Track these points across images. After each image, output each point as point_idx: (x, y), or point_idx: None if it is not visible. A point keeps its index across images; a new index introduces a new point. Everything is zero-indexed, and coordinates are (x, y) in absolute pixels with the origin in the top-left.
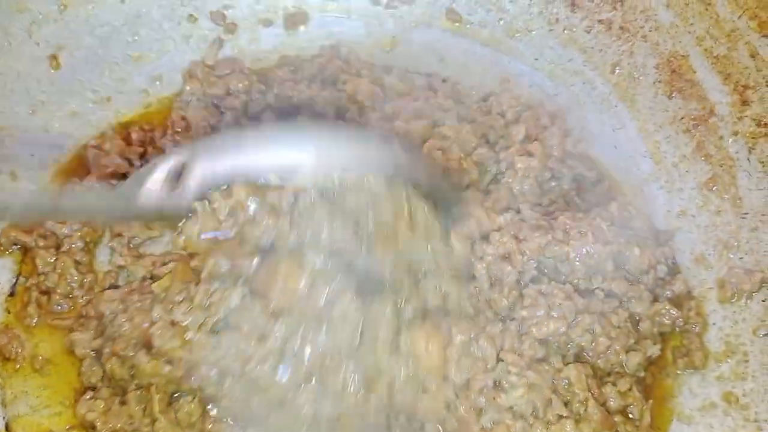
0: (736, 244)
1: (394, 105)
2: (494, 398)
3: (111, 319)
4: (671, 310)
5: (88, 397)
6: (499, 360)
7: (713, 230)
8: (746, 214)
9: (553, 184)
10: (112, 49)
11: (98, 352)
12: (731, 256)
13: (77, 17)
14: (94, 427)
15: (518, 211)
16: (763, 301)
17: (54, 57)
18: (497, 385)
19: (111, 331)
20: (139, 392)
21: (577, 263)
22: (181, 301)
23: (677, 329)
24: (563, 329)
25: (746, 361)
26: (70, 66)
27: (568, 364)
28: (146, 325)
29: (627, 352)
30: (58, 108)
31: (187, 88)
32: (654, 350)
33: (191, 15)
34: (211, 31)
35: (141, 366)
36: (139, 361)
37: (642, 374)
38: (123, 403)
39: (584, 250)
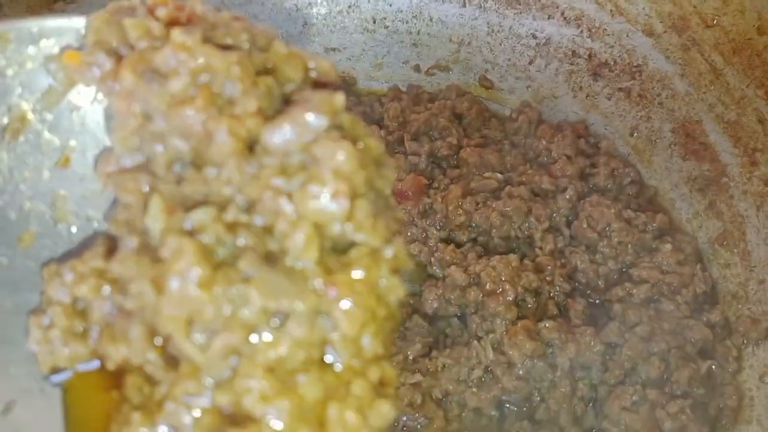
0: (744, 294)
1: None
2: None
3: None
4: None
5: None
6: None
7: (723, 282)
8: (754, 267)
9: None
10: None
11: None
12: (739, 306)
13: None
14: None
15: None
16: None
17: None
18: None
19: None
20: None
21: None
22: None
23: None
24: None
25: (752, 406)
26: None
27: None
28: None
29: None
30: None
31: None
32: None
33: None
34: None
35: None
36: None
37: None
38: None
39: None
